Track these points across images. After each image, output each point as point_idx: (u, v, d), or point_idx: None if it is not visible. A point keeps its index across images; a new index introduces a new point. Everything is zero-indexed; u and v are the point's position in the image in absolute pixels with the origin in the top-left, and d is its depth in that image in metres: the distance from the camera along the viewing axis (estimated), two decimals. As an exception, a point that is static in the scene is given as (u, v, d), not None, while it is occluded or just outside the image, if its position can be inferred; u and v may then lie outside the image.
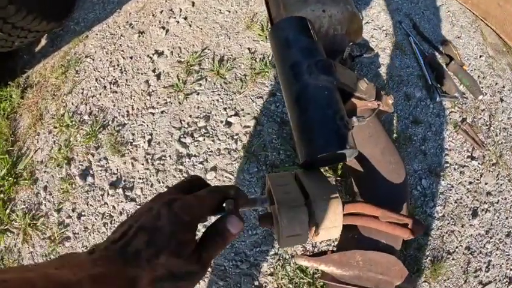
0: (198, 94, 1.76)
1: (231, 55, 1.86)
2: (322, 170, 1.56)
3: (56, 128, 1.86)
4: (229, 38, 1.91)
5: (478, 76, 2.03)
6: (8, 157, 1.84)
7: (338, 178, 1.58)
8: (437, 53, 2.04)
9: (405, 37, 2.06)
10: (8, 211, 1.71)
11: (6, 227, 1.70)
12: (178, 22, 2.01)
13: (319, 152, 0.89)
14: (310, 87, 0.97)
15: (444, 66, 1.98)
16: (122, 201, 1.62)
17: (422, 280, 1.57)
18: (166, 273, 0.43)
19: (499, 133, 1.90)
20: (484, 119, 1.92)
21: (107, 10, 2.22)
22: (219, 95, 1.74)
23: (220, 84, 1.77)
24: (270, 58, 1.86)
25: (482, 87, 1.98)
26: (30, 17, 1.88)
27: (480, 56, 2.11)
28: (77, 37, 2.16)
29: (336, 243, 1.45)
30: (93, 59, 2.02)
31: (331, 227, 0.82)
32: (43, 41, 2.25)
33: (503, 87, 2.05)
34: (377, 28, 2.05)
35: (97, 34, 2.13)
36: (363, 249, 1.11)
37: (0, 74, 2.16)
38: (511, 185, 1.80)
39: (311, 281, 1.44)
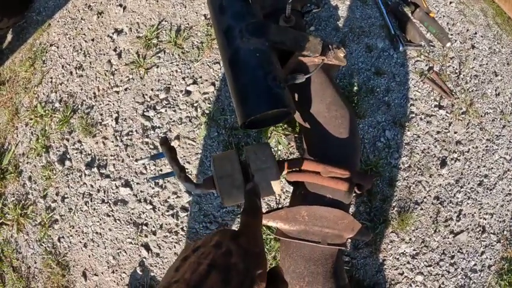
0: (158, 67, 1.87)
1: (188, 24, 1.95)
2: (279, 127, 1.66)
3: (31, 119, 2.00)
4: (185, 7, 2.00)
5: (447, 23, 2.05)
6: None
7: (296, 135, 1.68)
8: (401, 1, 2.04)
9: None
10: (0, 206, 1.89)
11: (1, 221, 1.88)
12: None
13: (252, 112, 0.98)
14: (242, 50, 1.05)
15: (410, 14, 1.99)
16: (98, 179, 1.77)
17: (390, 231, 1.66)
18: None
19: (470, 80, 1.93)
20: (453, 67, 1.95)
21: None
22: (177, 65, 1.85)
23: (178, 55, 1.87)
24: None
25: (451, 35, 2.01)
26: None
27: (450, 2, 2.12)
28: (40, 27, 2.27)
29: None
30: (57, 47, 2.14)
31: (264, 169, 0.91)
32: (9, 37, 2.37)
33: (475, 33, 2.07)
34: None
35: (58, 21, 2.23)
36: (308, 205, 1.18)
37: None
38: (482, 133, 1.85)
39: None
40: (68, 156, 1.86)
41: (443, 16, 2.07)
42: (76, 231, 1.75)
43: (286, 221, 1.21)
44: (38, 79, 2.10)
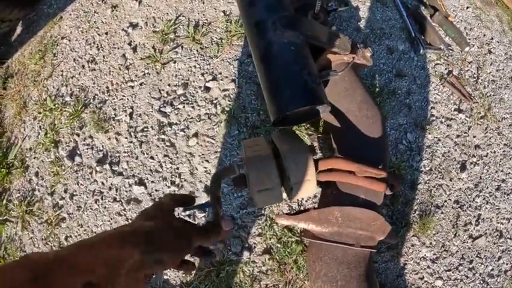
0: (175, 62, 1.76)
1: (206, 20, 1.85)
2: (303, 127, 1.58)
3: (40, 113, 1.88)
4: (203, 3, 1.90)
5: (465, 28, 2.00)
6: (-2, 150, 1.89)
7: (320, 135, 1.60)
8: (420, 5, 2.00)
9: None
10: (4, 201, 1.77)
11: (5, 217, 1.75)
12: None
13: (287, 108, 0.90)
14: (276, 44, 0.97)
15: (429, 18, 1.95)
16: (110, 177, 1.66)
17: (411, 234, 1.59)
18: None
19: (487, 85, 1.89)
20: (472, 71, 1.90)
21: None
22: (195, 61, 1.75)
23: (197, 50, 1.77)
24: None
25: (469, 39, 1.96)
26: (1, 7, 1.90)
27: (467, 7, 2.07)
28: (52, 20, 2.16)
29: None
30: (69, 40, 2.03)
31: (304, 181, 0.84)
32: (19, 29, 2.25)
33: (492, 38, 2.03)
34: None
35: (70, 14, 2.13)
36: (341, 205, 1.12)
37: None
38: (500, 138, 1.81)
39: (299, 239, 1.48)
40: (78, 152, 1.75)
41: (461, 21, 2.02)
42: (85, 230, 1.64)
43: (318, 223, 1.14)
44: (48, 72, 1.98)
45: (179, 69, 1.75)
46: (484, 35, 2.03)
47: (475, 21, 2.05)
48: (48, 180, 1.76)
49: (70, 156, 1.76)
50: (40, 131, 1.87)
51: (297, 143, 0.92)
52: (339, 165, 1.08)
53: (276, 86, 0.94)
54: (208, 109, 1.65)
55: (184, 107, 1.66)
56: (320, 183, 1.16)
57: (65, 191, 1.72)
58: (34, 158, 1.83)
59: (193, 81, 1.71)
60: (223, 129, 1.61)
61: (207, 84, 1.69)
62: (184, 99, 1.68)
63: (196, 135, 1.62)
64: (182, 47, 1.80)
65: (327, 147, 1.59)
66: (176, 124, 1.65)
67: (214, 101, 1.66)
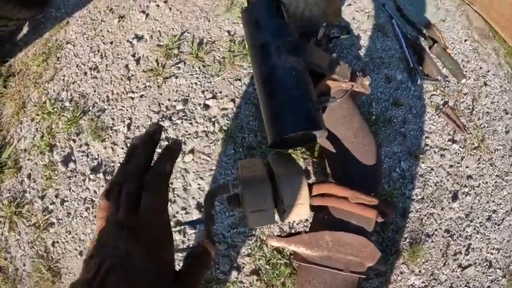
0: (177, 77, 1.78)
1: (210, 38, 1.87)
2: (298, 150, 1.59)
3: (38, 115, 1.88)
4: (209, 21, 1.92)
5: (462, 60, 2.04)
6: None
7: (315, 160, 1.61)
8: (420, 36, 2.04)
9: (388, 19, 2.06)
10: (-6, 200, 1.74)
11: (-8, 216, 1.72)
12: (158, 6, 2.02)
13: (287, 131, 0.91)
14: (279, 68, 0.98)
15: (428, 49, 1.98)
16: (103, 186, 1.65)
17: (401, 262, 1.60)
18: None
19: (482, 117, 1.92)
20: (467, 103, 1.93)
21: None
22: (197, 78, 1.76)
23: (199, 67, 1.78)
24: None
25: (465, 71, 1.99)
26: (9, 5, 1.89)
27: (465, 40, 2.12)
28: (58, 24, 2.17)
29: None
30: (74, 45, 2.04)
31: (297, 204, 0.85)
32: (25, 29, 2.26)
33: (488, 71, 2.06)
34: (359, 10, 2.06)
35: (77, 20, 2.14)
36: (333, 230, 1.12)
37: None
38: (492, 169, 1.83)
39: (288, 262, 1.48)
40: (73, 158, 1.74)
41: (458, 53, 2.06)
42: (73, 237, 1.62)
43: (308, 246, 1.14)
44: (49, 75, 1.98)
45: (180, 84, 1.76)
46: (481, 68, 2.07)
47: (472, 54, 2.09)
48: (40, 183, 1.75)
49: (64, 162, 1.75)
50: (36, 133, 1.86)
51: (292, 166, 0.92)
52: (333, 191, 1.09)
53: (277, 109, 0.95)
54: (206, 127, 1.65)
55: (182, 122, 1.67)
56: (312, 207, 1.17)
57: (56, 196, 1.71)
58: (28, 159, 1.82)
59: (193, 98, 1.72)
60: (219, 148, 1.61)
61: (207, 102, 1.70)
62: (183, 115, 1.69)
63: (192, 151, 1.62)
64: (184, 63, 1.81)
65: (321, 171, 1.60)
66: (173, 139, 1.65)
67: (213, 119, 1.67)
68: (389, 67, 1.91)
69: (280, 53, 0.98)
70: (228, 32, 1.88)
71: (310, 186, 1.04)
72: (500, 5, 2.32)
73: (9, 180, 1.80)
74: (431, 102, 1.89)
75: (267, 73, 0.99)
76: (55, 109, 1.86)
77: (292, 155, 1.59)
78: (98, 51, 1.97)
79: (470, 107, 1.93)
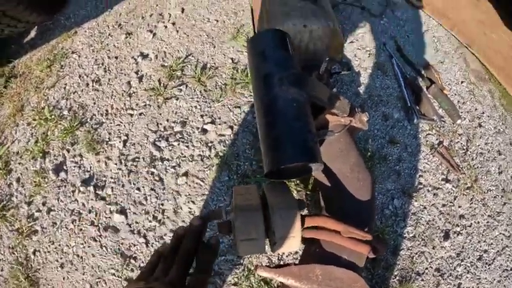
0: (177, 99, 1.79)
1: (214, 64, 1.90)
2: (293, 182, 1.60)
3: (35, 120, 1.87)
4: (214, 47, 1.95)
5: (458, 101, 2.09)
6: (-16, 146, 1.84)
7: (308, 192, 1.62)
8: (418, 76, 2.10)
9: (388, 59, 2.11)
10: (-22, 199, 1.71)
11: (-25, 216, 1.68)
12: (166, 27, 2.05)
13: (284, 162, 0.92)
14: (281, 99, 1.00)
15: (425, 89, 2.03)
16: (92, 199, 1.63)
17: None
18: None
19: (475, 157, 1.95)
20: (461, 143, 1.97)
21: (99, 9, 2.25)
22: (197, 101, 1.77)
23: (200, 92, 1.80)
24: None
25: (461, 112, 2.04)
26: (21, 7, 1.90)
27: (462, 82, 2.17)
28: (66, 32, 2.18)
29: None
30: (79, 56, 2.05)
31: (289, 237, 0.85)
32: (33, 33, 2.26)
33: (483, 113, 2.11)
34: (361, 48, 2.11)
35: (85, 31, 2.15)
36: (323, 264, 1.12)
37: None
38: (484, 209, 1.84)
39: (275, 293, 1.47)
40: (64, 168, 1.72)
41: (455, 94, 2.12)
42: (55, 248, 1.58)
43: (298, 279, 1.14)
44: (51, 82, 1.98)
45: (180, 106, 1.77)
46: (476, 109, 2.11)
47: (468, 96, 2.14)
48: (28, 189, 1.72)
49: (56, 170, 1.73)
50: (31, 138, 1.84)
51: (287, 197, 0.93)
52: (326, 224, 1.09)
53: (276, 139, 0.96)
54: (202, 151, 1.66)
55: (179, 144, 1.67)
56: (304, 240, 1.17)
57: (43, 204, 1.68)
58: (19, 163, 1.79)
59: (192, 121, 1.73)
60: (213, 173, 1.61)
61: (205, 127, 1.71)
62: (180, 137, 1.69)
63: (186, 174, 1.62)
64: (186, 86, 1.83)
65: (314, 204, 1.61)
66: (168, 160, 1.65)
67: (210, 144, 1.67)
68: (386, 105, 1.95)
69: (282, 84, 1.00)
70: (232, 59, 1.91)
71: (303, 218, 1.04)
72: (496, 47, 2.43)
73: (-2, 181, 1.76)
74: (426, 141, 1.93)
75: (268, 103, 1.01)
76: (53, 116, 1.85)
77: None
78: (103, 64, 1.98)
79: (465, 148, 1.96)
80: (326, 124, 1.27)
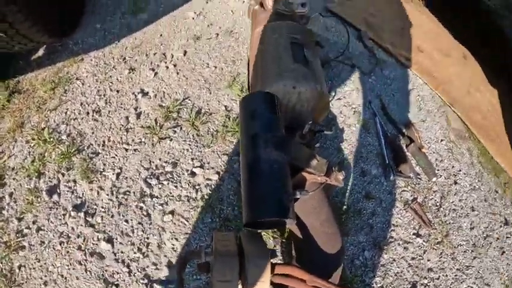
0: (171, 140, 1.98)
1: (209, 109, 2.10)
2: (269, 231, 1.76)
3: (34, 139, 2.01)
4: (210, 93, 2.15)
5: (436, 159, 2.30)
6: (-20, 154, 1.99)
7: (283, 240, 1.78)
8: (399, 134, 2.29)
9: (372, 116, 2.34)
10: (-32, 208, 1.84)
11: (-38, 224, 1.82)
12: (167, 67, 2.25)
13: (260, 216, 1.11)
14: (263, 160, 1.19)
15: (404, 147, 2.23)
16: (81, 225, 1.77)
17: None
18: None
19: (448, 213, 2.11)
20: (435, 200, 2.14)
21: (107, 40, 2.45)
22: (189, 145, 1.97)
23: (193, 136, 2.00)
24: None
25: (438, 170, 2.24)
26: (34, 28, 2.05)
27: (441, 140, 2.39)
28: (73, 57, 2.36)
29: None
30: (82, 83, 2.21)
31: (259, 282, 1.02)
32: (41, 52, 2.44)
33: (460, 170, 2.31)
34: (347, 105, 2.35)
35: (91, 60, 2.32)
36: None
37: None
38: (453, 263, 1.97)
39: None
40: (58, 191, 1.87)
41: (433, 152, 2.32)
42: (41, 266, 1.71)
43: None
44: (53, 105, 2.15)
45: (173, 147, 1.95)
46: (453, 167, 2.30)
47: (446, 154, 2.34)
48: (20, 205, 1.85)
49: (49, 192, 1.87)
50: (28, 156, 1.98)
51: (260, 246, 1.10)
52: (294, 273, 1.25)
53: (255, 195, 1.15)
54: (189, 192, 1.83)
55: (168, 184, 1.84)
56: (274, 285, 1.33)
57: (34, 222, 1.80)
58: (13, 179, 1.92)
59: (182, 163, 1.91)
60: (198, 214, 1.79)
61: (194, 170, 1.90)
62: (170, 177, 1.86)
63: (172, 212, 1.79)
64: (181, 128, 2.02)
65: (287, 253, 1.77)
66: (157, 197, 1.81)
67: (197, 187, 1.85)
68: (366, 161, 2.15)
69: (267, 147, 1.20)
70: (226, 106, 2.12)
71: (273, 265, 1.21)
72: (479, 106, 2.67)
73: (-10, 193, 1.91)
74: (401, 197, 2.09)
75: (252, 161, 1.20)
76: (52, 139, 2.01)
77: (263, 233, 1.74)
78: (104, 95, 2.14)
79: (438, 204, 2.12)
80: (304, 181, 1.44)
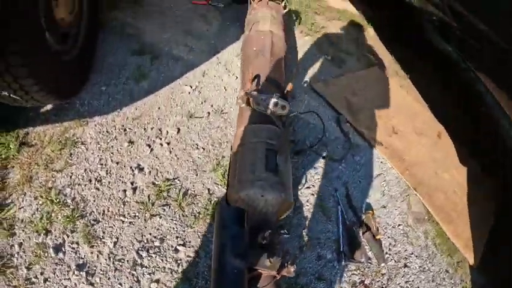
0: (161, 217, 2.60)
1: (194, 191, 2.73)
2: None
3: (42, 197, 2.52)
4: (197, 175, 2.80)
5: (390, 243, 2.89)
6: (-9, 200, 2.39)
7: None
8: (358, 222, 2.88)
9: (335, 205, 2.95)
10: (-20, 250, 2.27)
11: (-25, 266, 2.26)
12: (161, 145, 2.88)
13: None
14: (228, 265, 1.92)
15: (361, 234, 2.82)
16: (83, 283, 2.34)
17: None
18: None
19: None
20: (382, 282, 2.67)
21: (111, 105, 3.03)
22: (175, 223, 2.60)
23: (179, 216, 2.62)
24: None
25: (389, 254, 2.81)
26: (42, 92, 2.52)
27: (398, 225, 2.99)
28: (79, 119, 2.90)
29: None
30: (86, 149, 2.80)
31: None
32: (49, 106, 2.94)
33: (412, 253, 2.81)
34: (314, 194, 2.97)
35: (95, 125, 2.92)
36: None
37: (3, 119, 2.79)
38: None
39: None
40: (63, 250, 2.39)
41: (388, 237, 2.85)
42: (47, 313, 2.40)
43: None
44: (60, 166, 2.66)
45: (161, 224, 2.60)
46: (405, 250, 2.81)
47: (401, 238, 2.86)
48: (29, 256, 2.35)
49: (56, 249, 2.40)
50: (36, 212, 2.49)
51: None
52: None
53: None
54: (172, 266, 2.46)
55: (156, 257, 2.50)
56: None
57: (41, 273, 2.33)
58: (23, 230, 2.43)
59: (168, 240, 2.55)
60: (178, 285, 2.42)
61: (177, 247, 2.51)
62: (158, 251, 2.53)
63: (157, 281, 2.40)
64: (169, 207, 2.64)
65: None
66: (146, 267, 2.44)
67: (179, 261, 2.48)
68: (323, 247, 2.72)
69: (232, 255, 1.95)
70: (209, 190, 2.77)
71: None
72: (444, 187, 3.28)
73: (1, 239, 2.40)
74: (350, 279, 2.55)
75: (219, 265, 1.95)
76: (58, 200, 2.53)
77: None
78: (105, 165, 2.76)
79: (384, 286, 2.66)
80: (259, 275, 2.19)
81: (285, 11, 3.95)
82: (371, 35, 5.80)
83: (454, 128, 4.06)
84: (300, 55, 4.43)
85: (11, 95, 2.41)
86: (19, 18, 2.14)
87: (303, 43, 4.69)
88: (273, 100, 2.40)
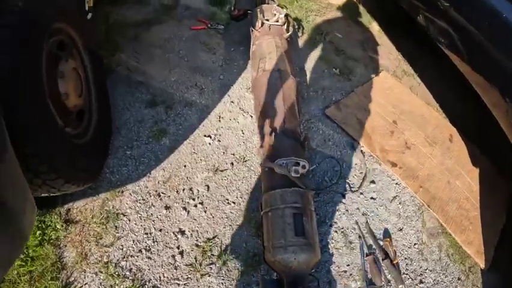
0: (209, 276, 3.10)
1: (232, 246, 3.29)
2: None
3: (101, 272, 3.03)
4: (233, 230, 3.36)
5: (406, 264, 3.40)
6: (57, 282, 3.00)
7: None
8: (377, 250, 3.36)
9: (357, 236, 3.32)
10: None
11: None
12: (196, 206, 3.50)
13: None
14: None
15: (381, 260, 3.37)
16: None
17: None
18: None
19: None
20: None
21: (139, 170, 3.54)
22: (223, 279, 3.11)
23: (224, 272, 3.14)
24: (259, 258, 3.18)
25: (406, 274, 3.34)
26: (60, 181, 2.84)
27: (414, 244, 3.46)
28: (114, 190, 3.39)
29: None
30: (129, 220, 3.28)
31: None
32: None
33: (426, 269, 3.23)
34: (337, 230, 3.46)
35: (130, 194, 3.44)
36: None
37: (42, 200, 3.11)
38: None
39: None
40: None
41: (405, 258, 3.28)
42: None
43: None
44: (109, 241, 3.14)
45: (211, 282, 3.07)
46: (421, 267, 3.24)
47: (416, 256, 3.28)
48: None
49: None
50: (101, 287, 3.12)
51: None
52: None
53: None
54: None
55: None
56: None
57: None
58: None
59: None
60: None
61: None
62: None
63: None
64: (215, 265, 3.13)
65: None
66: None
67: None
68: (349, 278, 3.25)
69: None
70: (246, 243, 3.32)
71: None
72: (457, 196, 3.71)
73: (75, 317, 2.85)
74: None
75: None
76: (117, 273, 3.05)
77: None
78: (151, 234, 3.28)
79: None
80: None
81: (288, 34, 4.48)
82: (375, 30, 6.26)
83: (466, 126, 4.43)
84: (308, 74, 4.87)
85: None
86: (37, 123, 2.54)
87: (309, 58, 5.22)
88: (294, 168, 3.10)
